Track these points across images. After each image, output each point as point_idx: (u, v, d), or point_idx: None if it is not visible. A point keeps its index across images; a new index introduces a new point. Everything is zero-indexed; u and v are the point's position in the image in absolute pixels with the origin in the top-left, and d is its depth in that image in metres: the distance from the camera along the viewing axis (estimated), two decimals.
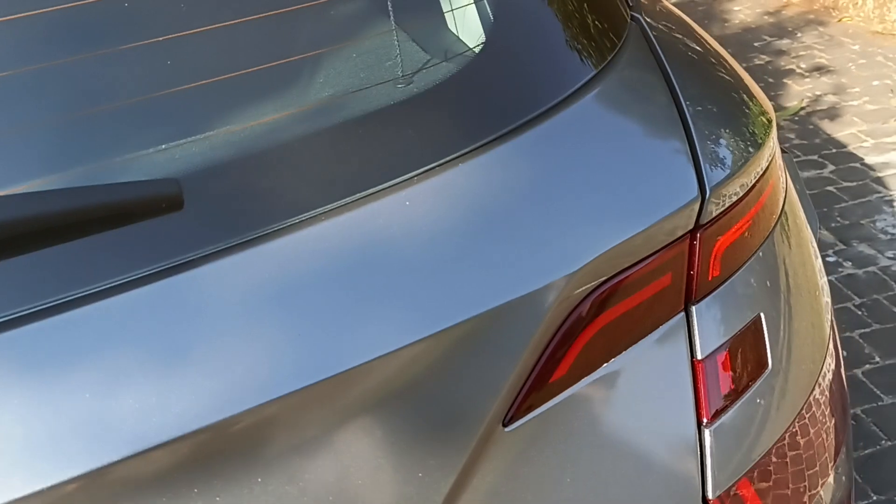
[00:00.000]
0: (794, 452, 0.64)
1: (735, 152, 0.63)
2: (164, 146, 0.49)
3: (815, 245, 0.78)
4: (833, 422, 0.69)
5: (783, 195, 0.71)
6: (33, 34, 0.50)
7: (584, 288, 0.54)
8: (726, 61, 0.79)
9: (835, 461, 0.69)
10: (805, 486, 0.66)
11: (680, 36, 0.76)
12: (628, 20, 0.70)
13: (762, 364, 0.61)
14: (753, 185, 0.65)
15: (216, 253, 0.47)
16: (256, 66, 0.53)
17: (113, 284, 0.45)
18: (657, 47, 0.65)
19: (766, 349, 0.62)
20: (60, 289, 0.44)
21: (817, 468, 0.67)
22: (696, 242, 0.60)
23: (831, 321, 0.76)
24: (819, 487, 0.67)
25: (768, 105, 0.73)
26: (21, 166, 0.48)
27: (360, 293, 0.48)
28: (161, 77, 0.51)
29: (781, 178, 0.71)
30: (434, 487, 0.50)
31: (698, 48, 0.77)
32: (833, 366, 0.71)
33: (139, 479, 0.43)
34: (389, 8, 0.55)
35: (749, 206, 0.65)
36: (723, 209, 0.62)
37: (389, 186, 0.52)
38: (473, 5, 0.60)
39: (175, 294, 0.46)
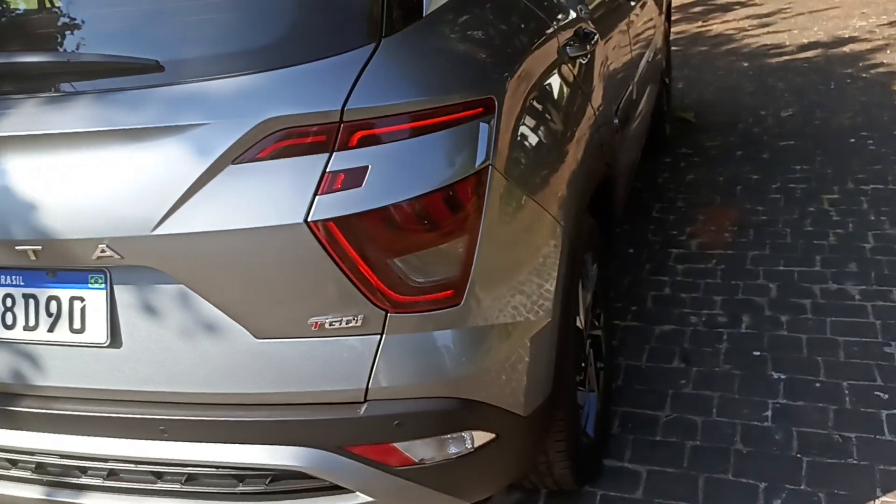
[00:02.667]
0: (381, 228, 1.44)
1: (391, 98, 1.43)
2: None
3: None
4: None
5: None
6: None
7: (270, 127, 1.39)
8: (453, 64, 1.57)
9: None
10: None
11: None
12: (373, 39, 1.46)
13: (359, 184, 1.43)
14: (392, 115, 1.44)
15: None
16: None
17: None
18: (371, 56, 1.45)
19: (364, 180, 1.43)
20: None
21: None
22: (340, 127, 1.43)
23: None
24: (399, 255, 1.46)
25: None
26: None
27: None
28: None
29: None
30: (174, 187, 1.40)
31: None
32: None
33: None
34: None
35: (390, 124, 1.44)
36: (368, 118, 1.43)
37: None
38: None
39: None
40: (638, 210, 3.95)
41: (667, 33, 4.63)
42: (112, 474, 1.68)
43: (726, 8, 8.09)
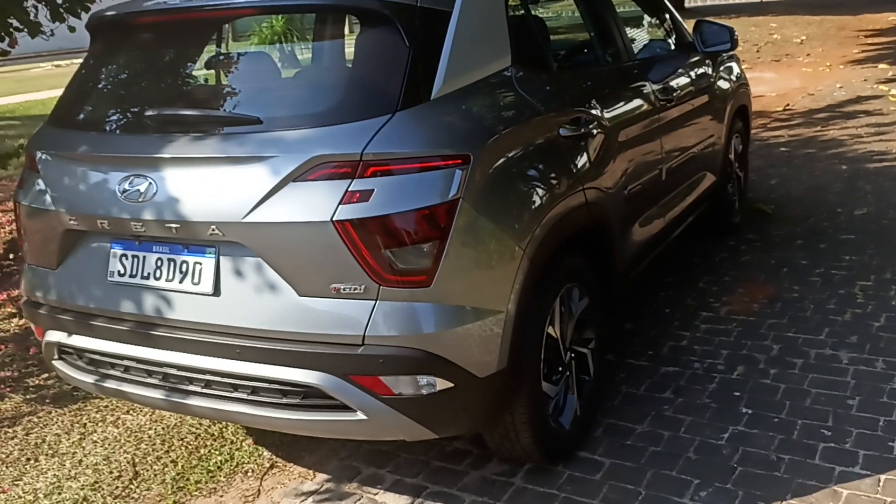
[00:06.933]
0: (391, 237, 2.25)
1: (395, 148, 2.25)
2: None
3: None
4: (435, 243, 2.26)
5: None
6: None
7: (317, 161, 2.24)
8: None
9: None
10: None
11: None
12: (390, 112, 2.31)
13: (367, 199, 2.25)
14: (394, 159, 2.26)
15: None
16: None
17: None
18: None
19: (371, 197, 2.25)
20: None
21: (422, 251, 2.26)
22: (360, 164, 2.27)
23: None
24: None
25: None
26: None
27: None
28: None
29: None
30: (258, 192, 2.25)
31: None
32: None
33: None
34: None
35: (392, 164, 2.27)
36: (377, 160, 2.26)
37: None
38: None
39: None
40: (687, 280, 4.54)
41: (741, 134, 5.21)
42: (207, 384, 2.55)
43: (850, 115, 8.43)
